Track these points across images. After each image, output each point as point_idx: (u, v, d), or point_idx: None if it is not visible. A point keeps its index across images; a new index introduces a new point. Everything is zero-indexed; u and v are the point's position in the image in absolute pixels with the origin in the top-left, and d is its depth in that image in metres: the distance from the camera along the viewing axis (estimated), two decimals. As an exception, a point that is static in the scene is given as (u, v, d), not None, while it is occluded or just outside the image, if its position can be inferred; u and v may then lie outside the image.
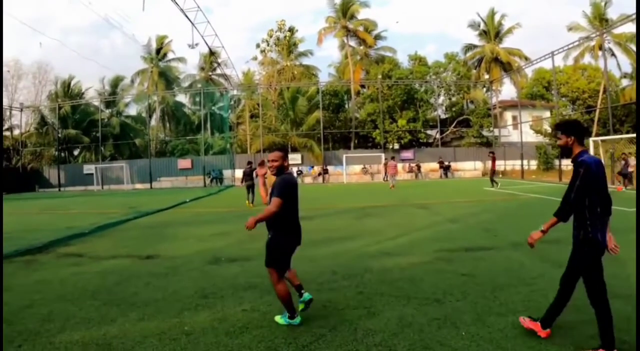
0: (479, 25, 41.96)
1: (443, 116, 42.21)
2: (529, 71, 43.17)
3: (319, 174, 36.70)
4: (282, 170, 4.09)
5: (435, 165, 36.93)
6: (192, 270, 6.45)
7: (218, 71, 48.58)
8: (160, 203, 17.98)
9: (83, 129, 43.15)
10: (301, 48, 45.13)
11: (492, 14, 41.04)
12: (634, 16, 22.65)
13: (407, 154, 38.11)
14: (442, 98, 42.88)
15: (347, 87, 42.87)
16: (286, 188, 3.96)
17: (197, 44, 28.94)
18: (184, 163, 39.06)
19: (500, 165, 35.48)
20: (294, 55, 44.35)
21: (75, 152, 46.74)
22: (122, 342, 3.76)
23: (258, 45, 43.57)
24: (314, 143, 37.80)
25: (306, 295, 4.32)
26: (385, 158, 32.91)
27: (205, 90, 43.19)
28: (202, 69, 49.45)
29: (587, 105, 36.90)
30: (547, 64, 41.83)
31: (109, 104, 45.59)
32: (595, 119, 34.80)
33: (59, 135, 41.55)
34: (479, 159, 37.35)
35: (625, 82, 38.70)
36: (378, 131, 38.47)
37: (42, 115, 43.36)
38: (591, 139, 23.27)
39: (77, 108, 44.00)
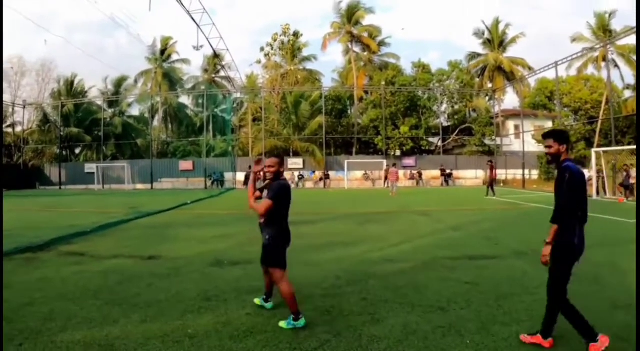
0: (483, 34, 42.15)
1: (445, 124, 42.25)
2: (531, 81, 43.35)
3: (320, 179, 36.67)
4: (278, 175, 4.28)
5: (437, 173, 36.91)
6: (194, 272, 6.42)
7: (222, 74, 48.69)
8: (162, 204, 17.97)
9: (85, 128, 43.17)
10: (305, 53, 45.32)
11: (497, 23, 41.25)
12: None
13: (409, 161, 38.12)
14: (444, 106, 42.96)
15: (350, 92, 42.92)
16: (281, 192, 4.18)
17: (202, 46, 28.97)
18: (186, 164, 39.05)
19: (501, 174, 35.56)
20: (298, 59, 44.45)
21: (77, 151, 46.75)
22: (124, 343, 3.73)
23: (262, 49, 43.67)
24: (316, 148, 37.79)
25: (268, 305, 4.67)
26: (387, 165, 32.94)
27: (208, 93, 43.26)
28: (205, 71, 49.59)
29: (589, 115, 36.92)
30: (549, 74, 41.87)
31: (111, 104, 45.67)
32: (597, 130, 34.81)
33: (61, 133, 41.56)
34: (481, 168, 37.30)
35: (627, 94, 38.78)
36: (380, 137, 38.46)
37: (45, 112, 43.47)
38: (593, 150, 23.25)
39: (80, 107, 44.05)
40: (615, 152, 22.48)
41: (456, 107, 42.21)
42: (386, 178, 32.00)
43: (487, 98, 41.17)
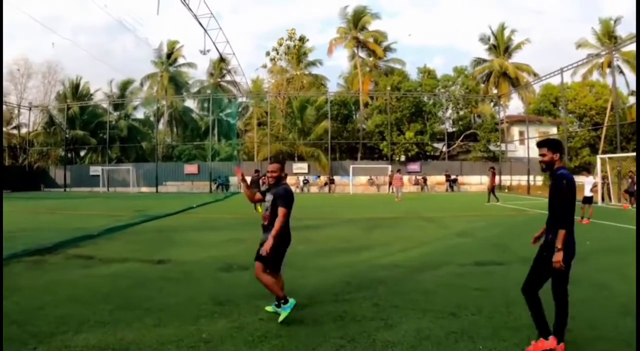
0: (489, 39, 42.14)
1: (450, 129, 42.29)
2: (536, 87, 43.30)
3: (325, 184, 36.74)
4: (279, 180, 4.44)
5: (442, 178, 36.90)
6: (205, 276, 6.44)
7: (227, 78, 48.94)
8: (168, 207, 18.02)
9: (90, 131, 43.46)
10: (311, 57, 45.47)
11: (502, 28, 41.23)
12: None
13: (414, 166, 38.12)
14: (449, 111, 43.00)
15: (356, 97, 42.96)
16: (290, 199, 4.37)
17: (209, 50, 29.22)
18: (191, 168, 39.19)
19: (506, 180, 35.50)
20: (303, 64, 44.58)
21: (82, 153, 47.05)
22: (139, 348, 3.72)
23: (268, 53, 43.94)
24: (321, 152, 37.86)
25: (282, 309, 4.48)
26: (392, 170, 32.93)
27: (214, 97, 43.43)
28: (211, 74, 49.82)
29: (594, 122, 36.88)
30: (554, 80, 41.88)
31: (117, 107, 45.92)
32: (602, 136, 34.78)
33: (67, 136, 41.80)
34: (485, 174, 37.11)
35: (632, 100, 38.66)
36: (385, 143, 38.51)
37: (51, 114, 43.83)
38: (598, 156, 23.22)
39: (85, 110, 44.38)
40: (620, 159, 22.44)
41: (461, 112, 42.24)
42: (391, 183, 32.00)
43: (492, 104, 41.15)
